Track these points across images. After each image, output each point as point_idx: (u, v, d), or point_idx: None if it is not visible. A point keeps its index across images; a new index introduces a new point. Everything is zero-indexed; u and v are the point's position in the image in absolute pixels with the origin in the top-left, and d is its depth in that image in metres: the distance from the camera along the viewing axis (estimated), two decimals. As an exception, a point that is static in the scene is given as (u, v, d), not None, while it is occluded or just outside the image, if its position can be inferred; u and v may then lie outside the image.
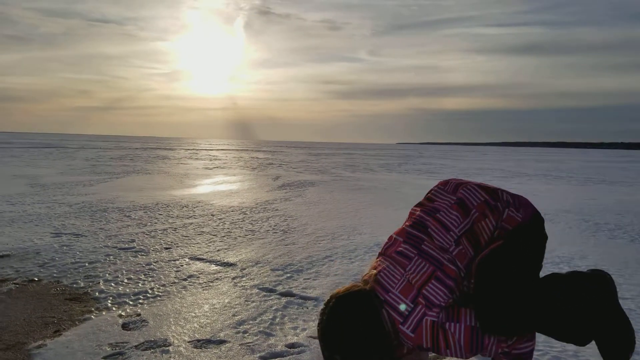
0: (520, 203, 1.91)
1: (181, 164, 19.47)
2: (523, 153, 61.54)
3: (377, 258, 2.03)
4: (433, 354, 2.42)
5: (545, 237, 1.89)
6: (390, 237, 2.04)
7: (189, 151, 34.90)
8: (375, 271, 1.94)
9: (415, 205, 2.09)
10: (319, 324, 1.91)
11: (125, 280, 3.53)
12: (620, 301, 2.31)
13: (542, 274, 1.88)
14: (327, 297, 3.12)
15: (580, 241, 5.38)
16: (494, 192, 1.94)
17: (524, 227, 1.85)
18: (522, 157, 40.23)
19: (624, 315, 1.85)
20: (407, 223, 2.02)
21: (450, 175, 16.55)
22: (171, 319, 2.81)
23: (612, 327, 1.82)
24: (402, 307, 1.80)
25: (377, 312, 1.84)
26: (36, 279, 3.52)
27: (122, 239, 4.89)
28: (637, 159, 45.90)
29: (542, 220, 1.91)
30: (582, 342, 1.83)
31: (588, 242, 5.34)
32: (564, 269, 4.11)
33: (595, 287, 1.85)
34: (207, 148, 44.96)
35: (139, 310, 2.94)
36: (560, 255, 4.58)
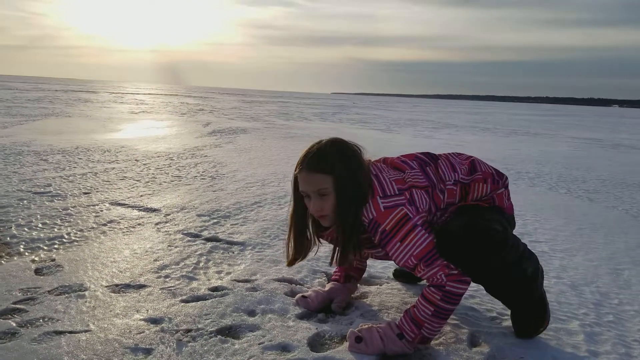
0: (510, 203, 2.19)
1: (104, 107, 18.55)
2: (454, 105, 63.28)
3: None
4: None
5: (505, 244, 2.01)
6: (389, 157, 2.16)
7: (114, 95, 33.28)
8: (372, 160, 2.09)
9: None
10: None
11: (40, 225, 3.34)
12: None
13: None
14: (254, 243, 3.11)
15: (500, 189, 5.62)
16: (502, 174, 2.18)
17: (505, 212, 2.13)
18: (453, 110, 41.34)
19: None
20: (416, 152, 2.18)
21: (382, 124, 16.76)
22: (88, 264, 2.68)
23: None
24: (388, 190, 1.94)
25: (365, 164, 2.00)
26: (-62, 224, 3.26)
27: (38, 183, 4.61)
28: (560, 112, 48.38)
29: (513, 227, 2.19)
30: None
31: (508, 190, 5.58)
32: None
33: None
34: (134, 92, 43.02)
35: (53, 256, 2.79)
36: (482, 202, 4.77)
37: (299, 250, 2.16)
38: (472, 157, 2.17)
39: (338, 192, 1.91)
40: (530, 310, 2.06)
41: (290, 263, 2.19)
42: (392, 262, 2.74)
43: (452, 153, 2.20)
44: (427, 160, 2.10)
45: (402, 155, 2.15)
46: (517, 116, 32.80)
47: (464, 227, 1.91)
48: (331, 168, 1.89)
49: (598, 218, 4.46)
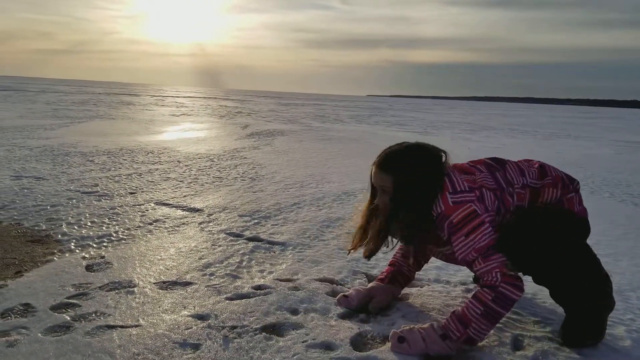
0: (582, 207, 2.16)
1: (146, 110, 19.01)
2: (491, 107, 62.24)
3: None
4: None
5: (581, 245, 2.09)
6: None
7: (155, 97, 34.07)
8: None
9: None
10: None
11: (89, 224, 3.47)
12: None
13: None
14: (294, 243, 3.15)
15: (542, 192, 5.52)
16: (573, 179, 2.20)
17: (576, 216, 2.11)
18: (490, 112, 40.69)
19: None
20: (484, 158, 2.22)
21: (419, 127, 16.64)
22: (136, 262, 2.78)
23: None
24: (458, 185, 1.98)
25: (441, 160, 2.06)
26: (-5, 221, 3.43)
27: (85, 183, 4.78)
28: (601, 115, 47.03)
29: (587, 231, 2.13)
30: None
31: (549, 194, 5.48)
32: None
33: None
34: (174, 95, 43.93)
35: (103, 253, 2.90)
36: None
37: (361, 239, 2.24)
38: (541, 162, 2.22)
39: (393, 193, 2.02)
40: (591, 313, 2.04)
41: (353, 248, 2.28)
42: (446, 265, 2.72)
43: (522, 160, 2.24)
44: (495, 165, 2.13)
45: (470, 161, 2.19)
46: (557, 119, 32.01)
47: (544, 210, 2.05)
48: (393, 170, 2.02)
49: (644, 223, 4.34)
